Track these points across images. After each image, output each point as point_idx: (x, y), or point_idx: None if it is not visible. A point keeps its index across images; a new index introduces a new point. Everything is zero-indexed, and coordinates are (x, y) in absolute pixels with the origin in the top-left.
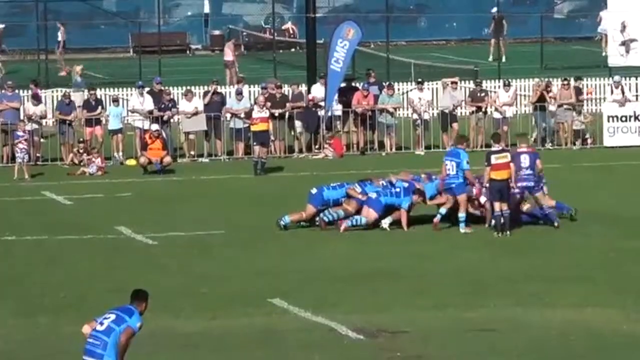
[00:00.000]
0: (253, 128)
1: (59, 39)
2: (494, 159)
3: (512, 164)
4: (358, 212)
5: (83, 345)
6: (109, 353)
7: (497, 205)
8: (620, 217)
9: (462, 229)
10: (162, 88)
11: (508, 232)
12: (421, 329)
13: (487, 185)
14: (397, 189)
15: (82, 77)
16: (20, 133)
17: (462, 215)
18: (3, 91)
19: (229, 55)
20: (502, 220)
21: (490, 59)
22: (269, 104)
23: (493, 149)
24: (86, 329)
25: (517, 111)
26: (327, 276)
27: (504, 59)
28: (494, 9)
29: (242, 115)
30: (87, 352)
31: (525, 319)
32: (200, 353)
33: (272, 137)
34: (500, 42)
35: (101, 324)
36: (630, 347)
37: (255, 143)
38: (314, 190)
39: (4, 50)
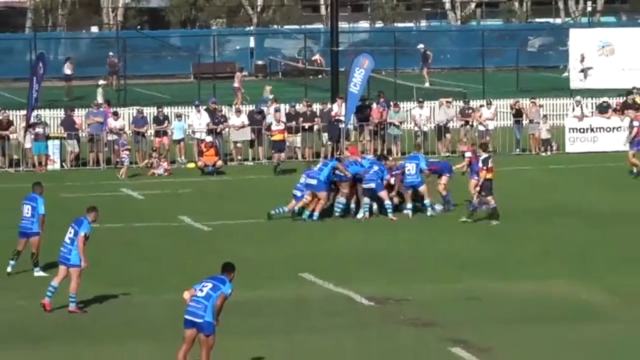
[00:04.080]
0: (272, 138)
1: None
2: (490, 163)
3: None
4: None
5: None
6: (208, 314)
7: (490, 198)
8: (579, 210)
9: (429, 212)
10: (216, 107)
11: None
12: (420, 297)
13: (481, 183)
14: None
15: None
16: (124, 142)
17: (427, 201)
18: (90, 109)
19: (236, 82)
20: (494, 210)
21: (427, 84)
22: (284, 118)
23: (485, 155)
24: (186, 295)
25: (497, 125)
26: (346, 256)
27: (427, 84)
28: (421, 45)
29: (265, 128)
30: (190, 313)
31: (504, 290)
32: (247, 317)
33: (287, 144)
34: (425, 71)
35: (201, 290)
36: (587, 311)
37: (274, 150)
38: (314, 182)
39: (122, 75)
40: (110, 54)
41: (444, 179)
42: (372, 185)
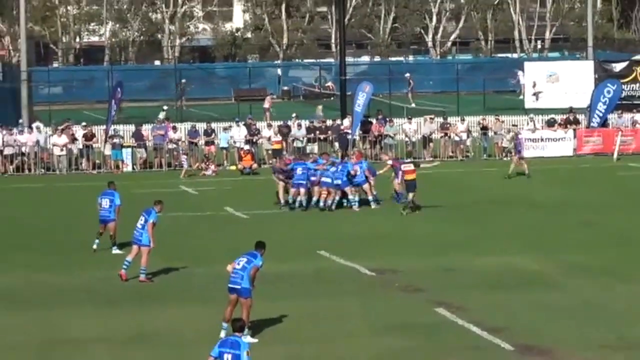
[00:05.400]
0: (273, 147)
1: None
2: (404, 167)
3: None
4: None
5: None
6: (245, 281)
7: (410, 195)
8: (533, 201)
9: (373, 205)
10: (252, 122)
11: (418, 211)
12: (410, 269)
13: (401, 182)
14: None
15: (322, 112)
16: (182, 149)
17: (370, 197)
18: (155, 124)
19: (266, 103)
20: (411, 204)
21: (413, 105)
22: (305, 131)
23: (406, 161)
24: (229, 267)
25: (469, 136)
26: (352, 237)
27: (413, 105)
28: (407, 74)
29: (268, 138)
30: (232, 282)
31: (474, 263)
32: (276, 285)
33: (284, 152)
34: (410, 94)
35: (238, 264)
36: (540, 279)
37: (274, 156)
38: (329, 180)
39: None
40: (183, 80)
41: (372, 180)
42: (339, 182)
